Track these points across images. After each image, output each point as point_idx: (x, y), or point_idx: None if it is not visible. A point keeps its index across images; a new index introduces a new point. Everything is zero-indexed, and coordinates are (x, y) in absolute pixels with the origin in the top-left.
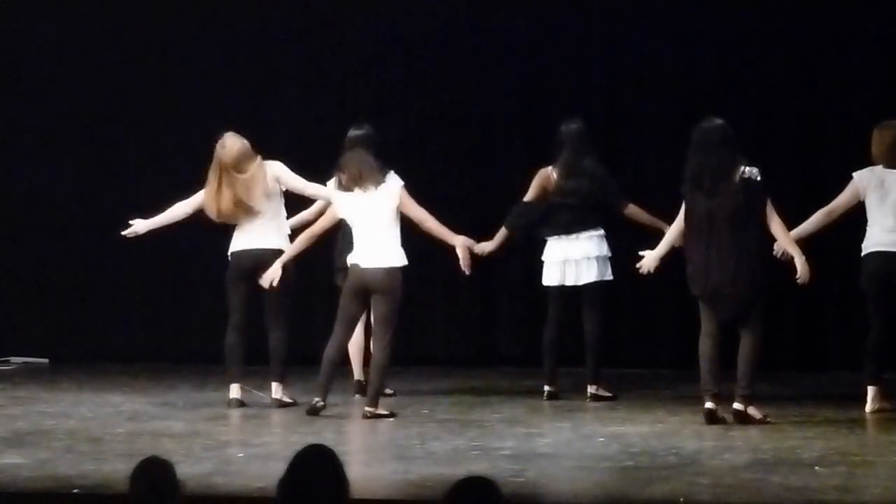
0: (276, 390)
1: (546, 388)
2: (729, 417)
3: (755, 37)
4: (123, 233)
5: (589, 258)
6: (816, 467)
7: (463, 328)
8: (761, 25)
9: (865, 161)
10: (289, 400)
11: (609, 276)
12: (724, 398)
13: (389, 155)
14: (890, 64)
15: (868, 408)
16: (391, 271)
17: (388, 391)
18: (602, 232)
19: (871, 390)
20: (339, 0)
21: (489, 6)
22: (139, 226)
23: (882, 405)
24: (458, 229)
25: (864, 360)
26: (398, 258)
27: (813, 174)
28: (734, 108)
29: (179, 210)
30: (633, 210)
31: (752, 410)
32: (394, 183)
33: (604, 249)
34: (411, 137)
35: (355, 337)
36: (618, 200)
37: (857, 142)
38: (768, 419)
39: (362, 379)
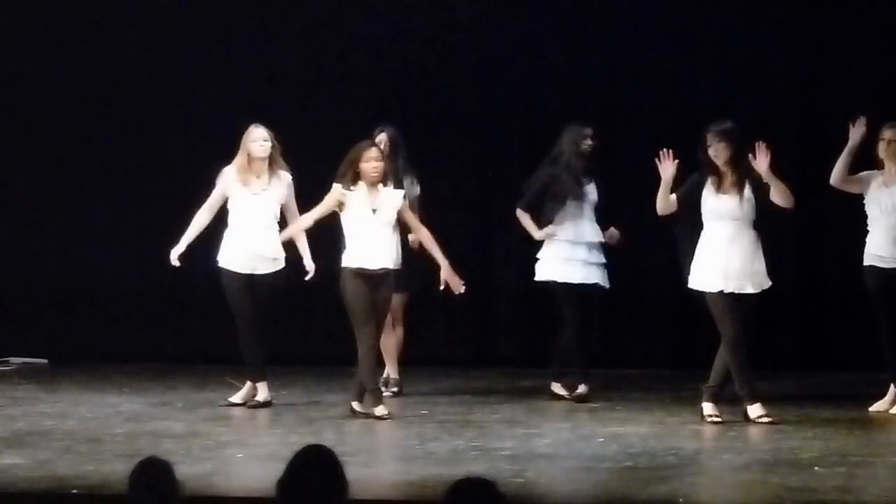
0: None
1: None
2: (726, 417)
3: (755, 37)
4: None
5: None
6: (816, 468)
7: (462, 329)
8: (761, 25)
9: (867, 162)
10: (257, 399)
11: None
12: (724, 399)
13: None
14: (890, 63)
15: (895, 409)
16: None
17: (385, 390)
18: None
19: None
20: (340, 0)
21: (490, 6)
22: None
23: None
24: (457, 228)
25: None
26: (342, 259)
27: (812, 174)
28: (734, 108)
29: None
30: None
31: (752, 409)
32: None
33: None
34: (410, 138)
35: (388, 336)
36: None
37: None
38: (763, 419)
39: (395, 376)
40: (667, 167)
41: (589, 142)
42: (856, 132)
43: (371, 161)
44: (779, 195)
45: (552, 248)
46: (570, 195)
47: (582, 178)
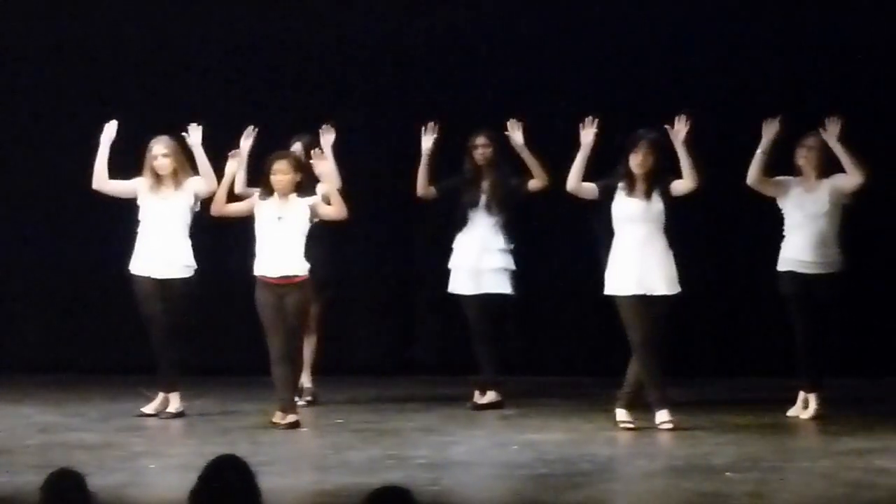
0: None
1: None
2: (640, 424)
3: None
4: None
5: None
6: (728, 473)
7: (379, 337)
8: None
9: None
10: (170, 410)
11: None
12: (642, 405)
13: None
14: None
15: (805, 414)
16: None
17: (300, 399)
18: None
19: (811, 397)
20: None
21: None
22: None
23: (819, 411)
24: (375, 235)
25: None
26: None
27: (724, 180)
28: (650, 112)
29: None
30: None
31: (658, 415)
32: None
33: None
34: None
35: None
36: None
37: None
38: (665, 425)
39: (308, 385)
40: (588, 132)
41: (480, 151)
42: (769, 130)
43: (277, 174)
44: (686, 171)
45: (453, 258)
46: (461, 203)
47: (477, 186)
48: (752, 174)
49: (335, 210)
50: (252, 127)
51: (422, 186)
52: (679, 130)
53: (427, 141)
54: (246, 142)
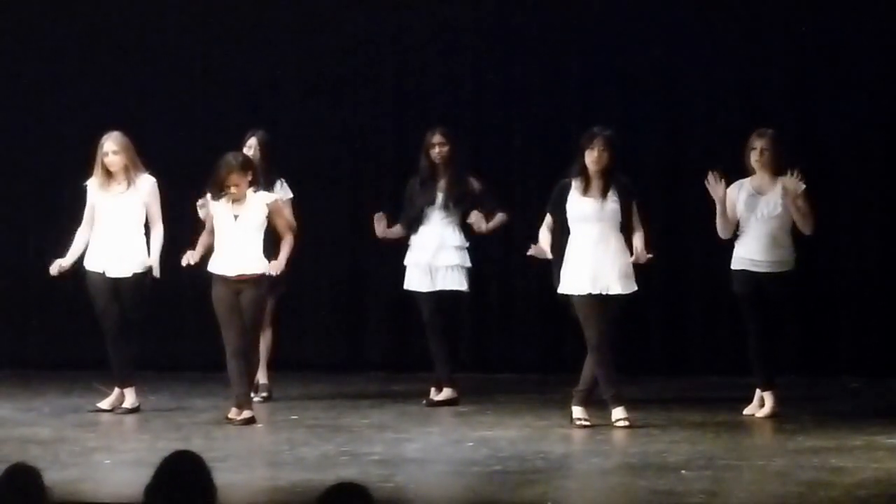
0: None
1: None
2: (595, 421)
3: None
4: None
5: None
6: (683, 471)
7: (333, 333)
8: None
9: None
10: (125, 405)
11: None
12: (595, 402)
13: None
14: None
15: (761, 412)
16: None
17: (255, 395)
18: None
19: (765, 396)
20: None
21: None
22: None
23: (775, 409)
24: (328, 232)
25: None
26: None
27: (677, 179)
28: (597, 117)
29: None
30: None
31: (614, 413)
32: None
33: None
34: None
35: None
36: None
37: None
38: (620, 422)
39: (264, 381)
40: (718, 188)
41: (436, 149)
42: (718, 190)
43: (231, 187)
44: (637, 246)
45: (409, 255)
46: (417, 201)
47: (434, 184)
48: (723, 232)
49: (282, 236)
50: (201, 200)
51: (398, 236)
52: (640, 252)
53: (379, 229)
54: (202, 211)
